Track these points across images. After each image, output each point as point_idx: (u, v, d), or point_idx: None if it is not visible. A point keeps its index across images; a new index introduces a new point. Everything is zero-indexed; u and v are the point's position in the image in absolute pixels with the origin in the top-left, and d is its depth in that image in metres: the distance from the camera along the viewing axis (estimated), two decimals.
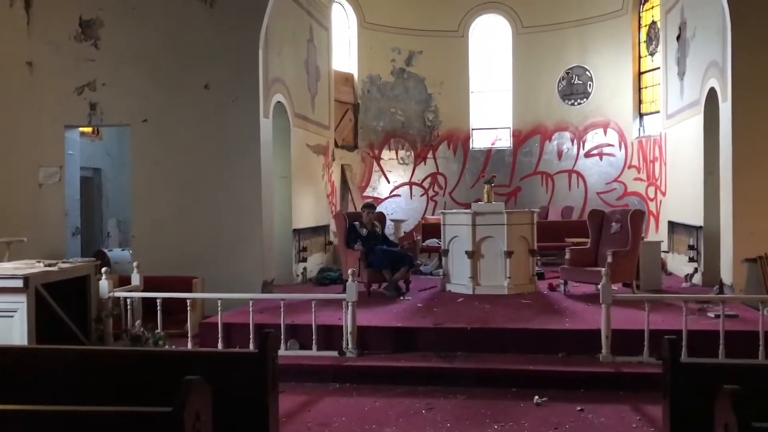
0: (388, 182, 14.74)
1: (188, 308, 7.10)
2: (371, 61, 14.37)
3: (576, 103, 14.30)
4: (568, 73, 14.33)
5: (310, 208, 11.41)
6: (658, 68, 12.52)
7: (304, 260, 10.79)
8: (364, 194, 14.22)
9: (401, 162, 14.78)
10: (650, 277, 9.25)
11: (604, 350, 6.40)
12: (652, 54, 13.16)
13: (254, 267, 8.97)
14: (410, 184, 14.82)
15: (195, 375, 3.00)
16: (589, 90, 14.20)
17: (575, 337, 6.74)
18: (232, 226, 9.00)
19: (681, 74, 10.68)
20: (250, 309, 6.94)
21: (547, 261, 12.25)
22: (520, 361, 6.45)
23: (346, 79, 13.96)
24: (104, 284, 7.21)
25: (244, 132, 9.00)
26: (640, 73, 13.61)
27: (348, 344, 6.76)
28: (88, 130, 11.25)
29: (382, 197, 14.62)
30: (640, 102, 13.64)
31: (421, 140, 14.83)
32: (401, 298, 8.74)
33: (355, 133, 14.21)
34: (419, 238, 12.09)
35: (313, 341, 6.82)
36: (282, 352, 6.79)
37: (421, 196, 14.80)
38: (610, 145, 14.05)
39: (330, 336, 6.97)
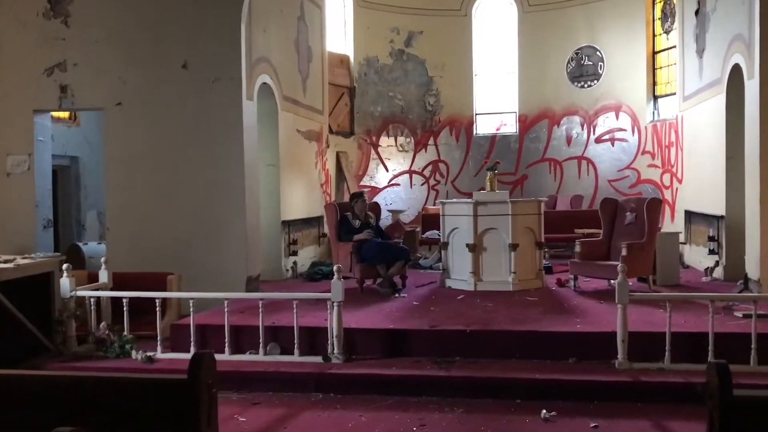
0: (387, 170, 14.03)
1: (157, 308, 6.42)
2: (368, 42, 13.62)
3: (586, 86, 13.54)
4: (577, 54, 13.57)
5: (302, 198, 10.69)
6: (674, 47, 11.74)
7: (295, 254, 10.09)
8: (361, 183, 13.51)
9: (400, 149, 14.05)
10: (668, 272, 8.53)
11: (620, 356, 5.69)
12: (667, 32, 12.37)
13: (238, 262, 8.28)
14: (410, 172, 14.09)
15: (107, 407, 2.32)
16: (600, 71, 13.44)
17: (587, 341, 6.02)
18: (214, 217, 8.31)
19: (700, 52, 9.89)
20: (225, 310, 6.26)
21: (555, 254, 11.53)
22: (525, 368, 5.74)
23: (341, 61, 13.21)
24: (65, 282, 6.57)
25: (225, 115, 8.29)
26: (654, 53, 12.84)
27: (333, 349, 6.07)
28: (64, 115, 10.56)
29: (381, 186, 13.91)
30: (654, 83, 12.88)
31: (422, 126, 14.09)
32: (396, 295, 8.04)
33: (351, 118, 13.48)
34: (419, 229, 11.37)
35: (295, 345, 6.14)
36: (260, 357, 6.17)
37: (422, 185, 14.08)
38: (622, 129, 13.30)
39: (315, 339, 6.29)
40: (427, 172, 14.09)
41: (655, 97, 12.91)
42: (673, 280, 8.52)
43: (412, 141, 14.07)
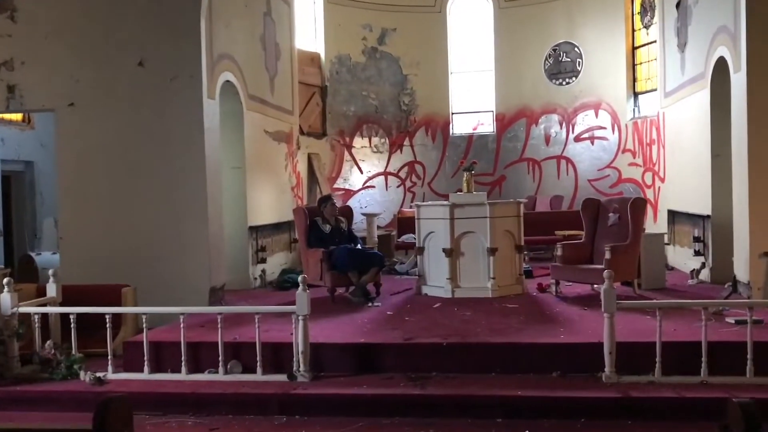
0: (361, 172, 13.57)
1: (107, 325, 5.90)
2: (340, 40, 13.16)
3: (564, 83, 13.20)
4: (555, 50, 13.23)
5: (271, 202, 10.19)
6: (655, 41, 11.43)
7: (263, 261, 9.58)
8: (335, 186, 13.04)
9: (375, 150, 13.61)
10: (653, 275, 8.18)
11: (608, 368, 5.29)
12: (647, 26, 12.06)
13: (200, 272, 7.76)
14: (385, 174, 13.65)
15: None
16: (578, 68, 13.12)
17: (572, 353, 5.61)
18: (174, 224, 7.78)
19: (682, 46, 9.57)
20: (181, 325, 5.76)
21: (535, 256, 11.16)
22: (506, 383, 5.31)
23: (312, 59, 12.73)
24: (6, 298, 6.01)
25: (185, 116, 7.77)
26: (634, 48, 12.55)
27: (299, 366, 5.59)
28: (17, 117, 9.98)
29: (355, 189, 13.45)
30: (634, 80, 12.59)
31: (397, 126, 13.65)
32: (369, 304, 7.58)
33: (323, 118, 13.01)
34: (394, 233, 10.93)
35: (258, 363, 5.66)
36: (220, 376, 5.68)
37: (398, 187, 13.64)
38: (602, 127, 12.99)
39: (280, 355, 5.81)
40: (402, 174, 13.66)
41: (636, 94, 12.62)
42: (658, 284, 8.16)
43: (387, 142, 13.64)
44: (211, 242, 7.86)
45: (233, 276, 8.93)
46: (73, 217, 7.98)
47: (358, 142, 13.54)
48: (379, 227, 11.80)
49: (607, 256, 7.44)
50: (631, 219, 7.78)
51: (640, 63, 12.39)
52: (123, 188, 7.85)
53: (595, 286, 7.86)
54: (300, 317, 5.56)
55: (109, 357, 5.87)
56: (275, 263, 10.11)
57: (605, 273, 5.40)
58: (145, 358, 5.81)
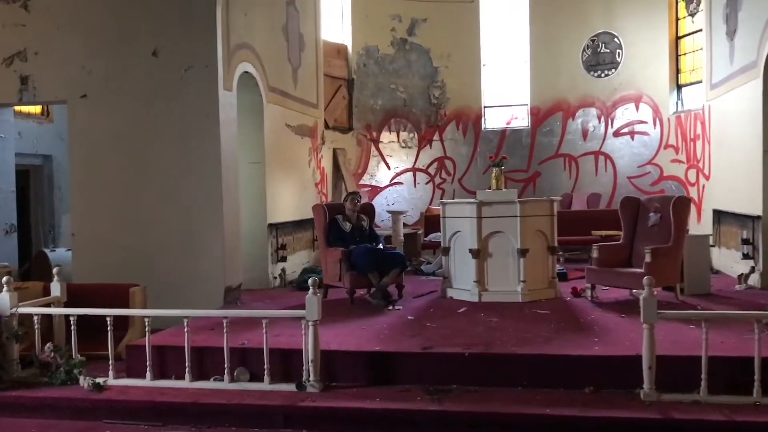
0: (389, 168, 13.14)
1: (109, 327, 5.57)
2: (367, 31, 12.74)
3: (603, 75, 12.59)
4: (593, 41, 12.61)
5: (292, 199, 9.82)
6: (700, 30, 10.75)
7: (284, 260, 9.22)
8: (361, 182, 12.63)
9: (403, 145, 13.15)
10: (697, 280, 7.58)
11: (647, 385, 4.77)
12: (692, 14, 11.39)
13: (215, 270, 7.45)
14: (414, 170, 13.19)
15: None
16: (618, 59, 12.49)
17: (607, 366, 5.10)
18: (188, 221, 7.48)
19: (731, 34, 8.90)
20: (185, 329, 5.40)
21: (571, 257, 10.61)
22: (533, 400, 4.83)
23: (339, 51, 12.33)
24: (5, 298, 5.72)
25: (200, 108, 7.45)
26: (677, 38, 11.88)
27: (309, 376, 5.19)
28: (36, 110, 9.77)
29: (382, 185, 13.02)
30: (677, 71, 11.92)
31: (426, 120, 13.17)
32: (390, 308, 7.14)
33: (350, 112, 12.61)
34: (421, 231, 10.48)
35: (265, 371, 5.27)
36: (225, 384, 5.31)
37: (427, 183, 13.16)
38: (642, 122, 12.34)
39: (290, 362, 5.42)
40: (432, 170, 13.18)
41: (679, 86, 11.96)
42: (703, 289, 7.56)
43: (416, 136, 13.17)
44: (226, 240, 7.53)
45: (251, 275, 8.61)
46: (86, 212, 7.73)
47: (386, 136, 13.12)
48: (405, 225, 11.34)
49: (648, 259, 6.90)
50: (674, 219, 7.20)
51: (684, 53, 11.72)
52: (136, 182, 7.57)
53: (634, 291, 7.31)
54: (310, 323, 5.16)
55: (110, 361, 5.55)
56: (296, 262, 9.74)
57: (645, 279, 4.88)
58: (148, 363, 5.48)
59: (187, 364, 5.39)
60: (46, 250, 8.84)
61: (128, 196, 7.58)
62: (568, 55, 12.73)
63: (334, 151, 11.85)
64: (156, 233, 7.49)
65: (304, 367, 5.21)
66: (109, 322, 5.56)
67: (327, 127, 11.59)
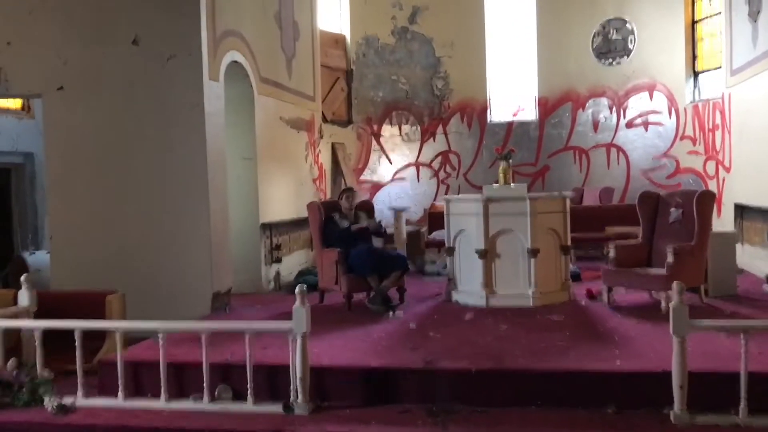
0: (390, 163, 12.56)
1: (76, 342, 5.03)
2: (367, 20, 12.16)
3: (614, 63, 11.99)
4: (604, 27, 12.01)
5: (288, 196, 9.27)
6: (719, 13, 10.16)
7: (278, 261, 8.68)
8: (361, 178, 12.08)
9: (405, 139, 12.56)
10: (723, 280, 7.03)
11: (677, 406, 4.22)
12: None
13: (201, 274, 6.94)
14: (417, 164, 12.60)
15: None
16: (630, 46, 11.87)
17: (631, 383, 4.55)
18: (172, 221, 6.97)
19: (754, 15, 8.31)
20: (160, 343, 4.87)
21: (583, 254, 10.04)
22: (549, 422, 4.30)
23: (336, 41, 11.76)
24: None
25: (183, 99, 6.93)
26: (693, 22, 11.30)
27: (297, 396, 4.65)
28: (15, 105, 9.24)
29: (384, 181, 12.46)
30: (694, 58, 11.33)
31: (429, 113, 12.57)
32: (390, 314, 6.59)
33: (349, 105, 12.05)
34: (424, 229, 9.92)
35: (249, 390, 4.74)
36: (205, 405, 4.77)
37: (431, 178, 12.58)
38: (657, 112, 11.72)
39: (278, 379, 4.89)
40: (436, 165, 12.60)
41: (696, 74, 11.37)
42: (729, 290, 7.01)
43: (419, 130, 12.58)
44: (213, 241, 7.01)
45: (243, 278, 8.10)
46: (64, 213, 7.21)
47: (387, 130, 12.54)
48: (408, 223, 10.79)
49: (670, 259, 6.33)
50: (698, 215, 6.63)
51: (701, 38, 11.15)
52: (117, 180, 7.06)
53: (657, 293, 6.76)
54: (298, 336, 4.61)
55: (78, 379, 5.02)
56: (293, 263, 9.21)
57: (675, 285, 4.31)
58: (120, 382, 4.94)
59: (162, 383, 4.86)
60: (25, 254, 8.32)
61: (109, 196, 7.07)
62: (578, 42, 12.12)
63: (333, 145, 11.30)
64: (138, 235, 6.99)
65: (291, 386, 4.67)
66: (77, 336, 5.02)
67: (325, 120, 11.05)
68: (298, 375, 4.63)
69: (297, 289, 4.70)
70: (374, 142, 12.50)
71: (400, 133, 12.56)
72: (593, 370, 4.66)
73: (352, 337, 5.74)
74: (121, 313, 6.12)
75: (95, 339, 5.53)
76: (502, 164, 7.20)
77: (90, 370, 5.26)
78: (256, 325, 5.17)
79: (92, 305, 5.97)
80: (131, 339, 5.75)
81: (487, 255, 6.83)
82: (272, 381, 4.91)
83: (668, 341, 4.34)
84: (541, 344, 5.29)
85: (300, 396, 4.63)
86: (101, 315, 5.92)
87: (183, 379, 5.07)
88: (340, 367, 4.95)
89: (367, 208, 7.75)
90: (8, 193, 9.26)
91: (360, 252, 6.92)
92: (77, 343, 5.02)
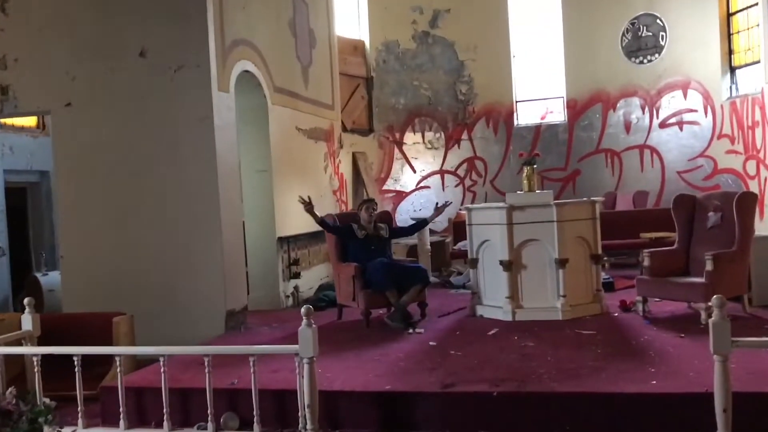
0: (414, 172, 12.24)
1: (76, 367, 4.80)
2: (386, 25, 11.89)
3: (645, 61, 11.51)
4: (633, 24, 11.55)
5: None
6: (756, 4, 9.67)
7: (297, 276, 8.41)
8: (384, 187, 11.77)
9: (429, 146, 12.23)
10: (766, 288, 6.50)
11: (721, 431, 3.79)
12: None
13: (215, 292, 6.71)
14: (441, 172, 12.26)
15: None
16: (662, 43, 11.38)
17: (670, 406, 4.14)
18: (184, 238, 6.75)
19: None
20: (162, 369, 4.59)
21: (616, 262, 9.59)
22: None
23: (355, 47, 11.51)
24: None
25: (193, 112, 6.72)
26: (729, 15, 10.77)
27: (306, 423, 4.33)
28: (30, 123, 9.16)
29: (407, 190, 12.14)
30: (730, 52, 10.79)
31: (453, 118, 12.23)
32: (410, 331, 6.25)
33: (369, 113, 11.78)
34: (449, 239, 9.56)
35: (254, 419, 4.44)
36: None
37: (456, 186, 12.22)
38: (692, 110, 11.20)
39: (288, 404, 4.59)
40: (461, 172, 12.23)
41: (732, 69, 10.84)
42: None
43: (443, 136, 12.24)
44: (227, 257, 6.77)
45: (260, 294, 7.90)
46: (74, 231, 7.06)
47: (410, 137, 12.22)
48: (433, 233, 10.44)
49: (709, 267, 5.89)
50: (738, 219, 6.17)
51: (738, 32, 10.62)
52: (127, 197, 6.88)
53: (692, 304, 6.31)
54: (305, 361, 4.30)
55: (79, 407, 4.78)
56: (313, 277, 8.93)
57: (715, 299, 3.88)
58: (121, 410, 4.69)
59: (165, 411, 4.59)
60: (38, 275, 8.18)
61: (119, 213, 6.88)
62: (606, 40, 11.68)
63: (354, 155, 11.03)
64: (150, 253, 6.79)
65: (299, 413, 4.36)
66: (76, 362, 4.78)
67: (345, 129, 10.79)
68: (306, 402, 4.30)
69: (303, 310, 4.38)
70: (396, 151, 12.19)
71: (423, 140, 12.24)
72: (627, 393, 4.25)
73: (368, 357, 5.42)
74: (130, 336, 5.92)
75: (103, 364, 5.33)
76: (527, 169, 6.84)
77: (95, 397, 5.06)
78: (260, 348, 4.86)
79: (99, 328, 5.81)
80: (144, 362, 5.56)
81: (512, 266, 6.47)
82: (281, 406, 4.63)
83: (709, 357, 3.92)
84: (569, 363, 4.90)
85: (309, 424, 4.30)
86: (109, 337, 5.73)
87: (189, 406, 4.82)
88: (353, 392, 4.63)
89: (386, 219, 7.43)
90: (25, 212, 9.17)
91: (376, 266, 6.59)
92: (77, 369, 4.78)
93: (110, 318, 5.89)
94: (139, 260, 6.77)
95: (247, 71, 7.51)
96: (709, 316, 5.64)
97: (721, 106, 10.88)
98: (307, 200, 6.75)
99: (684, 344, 5.25)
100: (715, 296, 3.91)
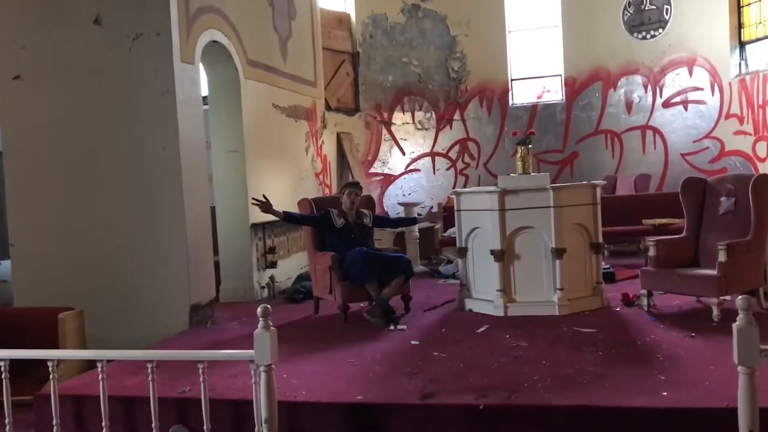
0: (403, 154, 11.63)
1: (3, 375, 4.19)
2: None
3: (648, 37, 10.90)
4: None
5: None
6: None
7: (272, 265, 7.80)
8: (371, 170, 11.15)
9: (419, 127, 11.62)
10: None
11: None
12: None
13: (178, 284, 6.11)
14: (432, 154, 11.65)
15: None
16: (666, 17, 10.77)
17: (682, 421, 3.56)
18: (144, 225, 6.14)
19: None
20: (100, 376, 3.99)
21: (617, 249, 9.03)
22: None
23: (340, 20, 10.85)
24: None
25: (152, 85, 6.08)
26: None
27: None
28: None
29: (396, 173, 11.53)
30: (739, 26, 10.20)
31: (445, 97, 11.61)
32: (391, 327, 5.67)
33: (356, 91, 11.15)
34: (438, 226, 8.97)
35: (205, 431, 3.85)
36: None
37: (448, 169, 11.62)
38: (698, 88, 10.63)
39: (246, 416, 3.99)
40: (453, 154, 11.63)
41: (742, 44, 10.25)
42: None
43: (434, 116, 11.63)
44: (191, 245, 6.16)
45: (233, 285, 7.34)
46: (25, 217, 6.42)
47: (399, 117, 11.61)
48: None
49: (722, 257, 5.32)
50: (754, 204, 5.60)
51: (748, 4, 10.04)
52: (82, 179, 6.25)
53: (701, 298, 5.75)
54: (261, 369, 3.70)
55: (6, 418, 4.18)
56: (291, 267, 8.33)
57: (740, 301, 3.28)
58: (54, 420, 4.09)
59: (104, 423, 4.00)
60: None
61: (74, 196, 6.25)
62: (607, 15, 11.07)
63: (338, 135, 10.41)
64: (107, 240, 6.18)
65: (255, 429, 3.78)
66: (3, 367, 4.18)
67: (329, 108, 10.17)
68: (263, 416, 3.71)
69: (259, 310, 3.76)
70: (384, 131, 11.57)
71: (413, 120, 11.62)
72: (632, 407, 3.66)
73: (341, 359, 4.83)
74: (78, 334, 5.33)
75: (43, 368, 4.74)
76: (521, 150, 6.23)
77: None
78: (209, 354, 4.26)
79: (45, 324, 5.23)
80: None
81: (505, 256, 5.90)
82: (238, 418, 4.05)
83: (726, 362, 3.39)
84: (567, 367, 4.32)
85: None
86: (53, 335, 5.15)
87: (134, 417, 4.24)
88: (318, 403, 4.03)
89: (369, 205, 6.81)
90: None
91: (355, 256, 5.98)
92: (3, 376, 4.18)
93: (52, 313, 5.30)
94: (96, 249, 6.17)
95: (216, 42, 6.87)
96: (722, 312, 5.05)
97: (730, 84, 10.29)
98: (263, 200, 6.07)
99: (696, 346, 4.69)
100: (740, 297, 3.30)
